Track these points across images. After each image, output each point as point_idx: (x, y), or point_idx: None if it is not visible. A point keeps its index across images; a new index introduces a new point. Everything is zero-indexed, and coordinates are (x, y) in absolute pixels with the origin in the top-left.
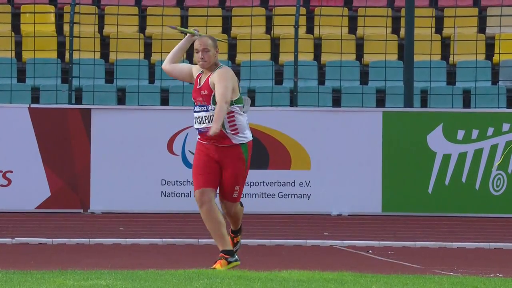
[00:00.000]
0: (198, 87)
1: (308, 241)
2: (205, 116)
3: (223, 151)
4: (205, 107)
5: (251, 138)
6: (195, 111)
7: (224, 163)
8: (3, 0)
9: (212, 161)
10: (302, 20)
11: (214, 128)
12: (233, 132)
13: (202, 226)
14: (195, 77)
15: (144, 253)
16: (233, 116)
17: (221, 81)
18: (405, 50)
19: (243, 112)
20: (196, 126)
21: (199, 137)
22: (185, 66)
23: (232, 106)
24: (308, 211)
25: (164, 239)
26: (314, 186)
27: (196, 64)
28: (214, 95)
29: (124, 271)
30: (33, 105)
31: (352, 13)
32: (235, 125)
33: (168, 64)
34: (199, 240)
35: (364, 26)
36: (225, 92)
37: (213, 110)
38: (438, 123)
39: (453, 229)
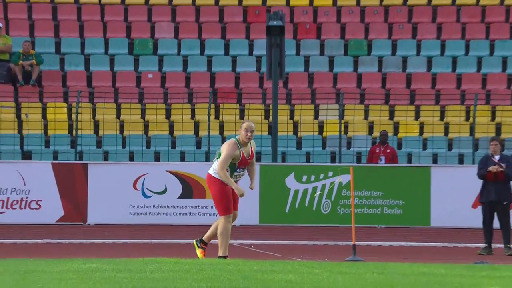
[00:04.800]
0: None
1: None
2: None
3: None
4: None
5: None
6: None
7: None
8: None
9: None
10: None
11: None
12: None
13: (153, 232)
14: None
15: (120, 248)
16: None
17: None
18: (272, 129)
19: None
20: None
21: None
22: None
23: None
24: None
25: (131, 240)
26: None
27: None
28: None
29: (107, 259)
30: (55, 162)
31: None
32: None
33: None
34: (152, 240)
35: None
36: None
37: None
38: (292, 171)
39: (300, 233)
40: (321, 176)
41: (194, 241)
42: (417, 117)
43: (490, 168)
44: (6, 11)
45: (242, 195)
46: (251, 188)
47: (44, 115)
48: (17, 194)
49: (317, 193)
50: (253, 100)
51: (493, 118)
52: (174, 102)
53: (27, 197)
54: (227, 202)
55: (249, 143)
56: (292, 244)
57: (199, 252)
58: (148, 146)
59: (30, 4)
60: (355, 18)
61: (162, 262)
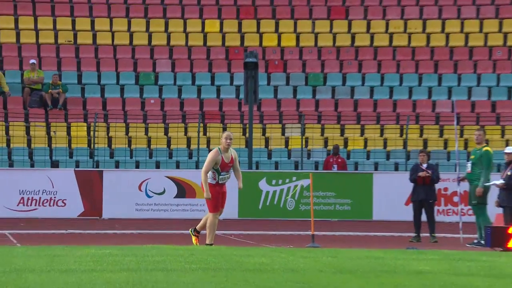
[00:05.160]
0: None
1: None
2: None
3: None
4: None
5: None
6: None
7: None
8: None
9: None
10: None
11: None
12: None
13: (154, 225)
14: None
15: (128, 238)
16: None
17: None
18: (248, 143)
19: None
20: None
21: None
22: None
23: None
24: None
25: (137, 231)
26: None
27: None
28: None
29: (117, 246)
30: (77, 169)
31: None
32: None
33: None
34: (153, 231)
35: None
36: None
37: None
38: (264, 176)
39: (270, 225)
40: (287, 180)
41: (190, 230)
42: (362, 134)
43: (420, 174)
44: (39, 51)
45: (208, 198)
46: (240, 188)
47: (68, 132)
48: (47, 194)
49: (288, 197)
50: (233, 120)
51: (421, 135)
52: (170, 122)
53: (55, 197)
54: (216, 202)
55: (230, 151)
56: (264, 234)
57: (194, 239)
58: (150, 157)
59: (58, 45)
60: (314, 56)
61: (161, 248)
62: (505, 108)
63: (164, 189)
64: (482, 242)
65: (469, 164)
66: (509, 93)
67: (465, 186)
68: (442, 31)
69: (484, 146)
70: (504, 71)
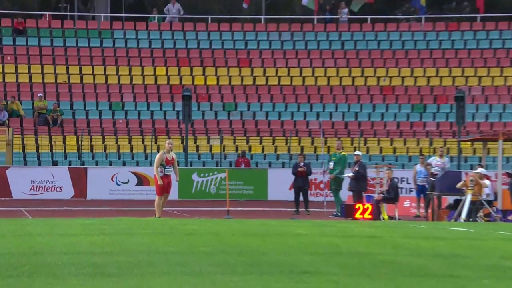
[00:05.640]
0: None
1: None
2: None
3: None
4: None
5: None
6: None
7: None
8: None
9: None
10: None
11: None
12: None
13: (121, 204)
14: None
15: (104, 212)
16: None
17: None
18: (185, 149)
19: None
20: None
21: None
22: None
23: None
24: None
25: (110, 208)
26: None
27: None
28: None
29: (99, 218)
30: (70, 167)
31: None
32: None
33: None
34: (121, 208)
35: None
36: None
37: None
38: (195, 171)
39: (200, 204)
40: (211, 174)
41: (153, 217)
42: (260, 143)
43: (298, 169)
44: (44, 88)
45: (161, 184)
46: (177, 181)
47: (63, 142)
48: (49, 183)
49: (211, 185)
50: (175, 134)
51: (299, 143)
52: (133, 135)
53: (55, 185)
54: (161, 189)
55: (171, 153)
56: (196, 210)
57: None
58: (119, 158)
59: (57, 84)
60: (228, 91)
61: (126, 219)
62: (353, 126)
63: (128, 180)
64: (339, 214)
65: (331, 163)
66: (355, 116)
67: (328, 177)
68: (312, 74)
69: (342, 152)
70: (353, 102)
